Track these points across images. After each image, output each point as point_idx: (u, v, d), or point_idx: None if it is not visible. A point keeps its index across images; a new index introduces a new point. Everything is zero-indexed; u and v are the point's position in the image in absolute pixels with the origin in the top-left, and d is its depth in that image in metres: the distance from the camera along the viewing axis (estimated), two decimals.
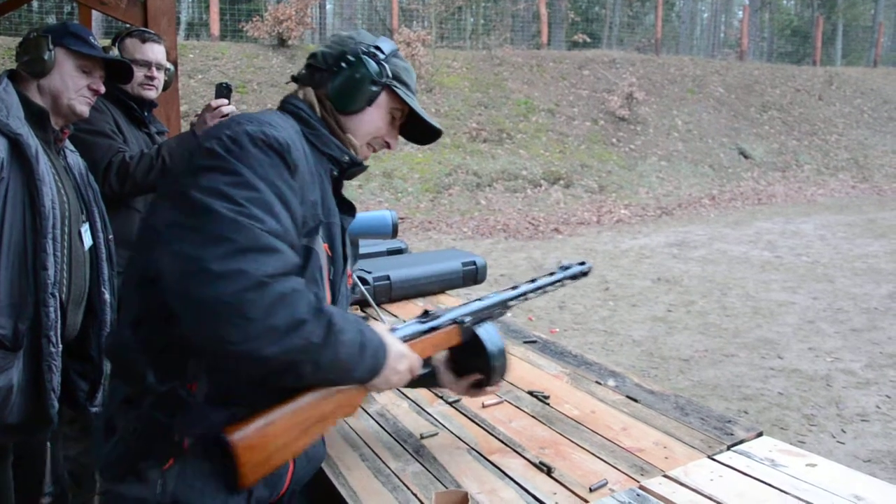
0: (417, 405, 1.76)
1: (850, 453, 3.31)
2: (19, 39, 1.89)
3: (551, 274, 1.64)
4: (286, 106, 1.32)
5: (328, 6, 18.77)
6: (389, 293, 2.64)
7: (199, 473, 1.13)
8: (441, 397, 1.80)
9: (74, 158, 2.00)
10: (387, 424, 1.67)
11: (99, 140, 2.22)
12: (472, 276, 2.90)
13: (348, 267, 1.40)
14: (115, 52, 2.32)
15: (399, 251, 3.12)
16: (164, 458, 1.11)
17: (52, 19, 14.38)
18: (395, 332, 1.30)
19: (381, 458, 1.50)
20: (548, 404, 1.76)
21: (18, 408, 1.73)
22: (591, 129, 12.28)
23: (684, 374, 4.30)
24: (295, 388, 1.14)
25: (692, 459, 1.45)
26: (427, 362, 1.43)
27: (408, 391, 1.82)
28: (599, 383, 1.88)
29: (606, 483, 1.36)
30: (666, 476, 1.39)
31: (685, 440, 1.54)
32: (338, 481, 1.41)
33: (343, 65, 1.30)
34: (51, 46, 1.83)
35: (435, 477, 1.41)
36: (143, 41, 2.41)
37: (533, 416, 1.69)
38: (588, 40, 15.67)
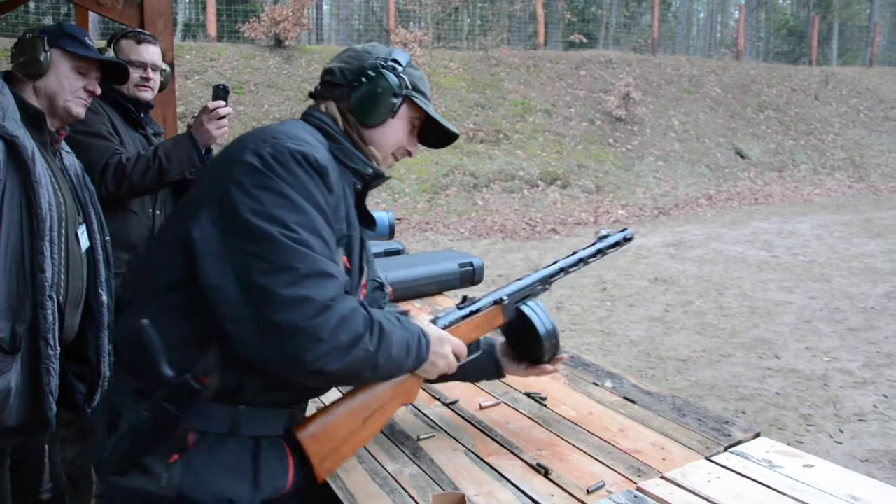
0: (414, 407, 1.76)
1: (848, 453, 3.32)
2: (15, 40, 1.88)
3: (592, 245, 1.63)
4: (311, 119, 1.33)
5: (325, 7, 18.78)
6: None
7: (206, 467, 1.16)
8: (438, 399, 1.80)
9: (71, 160, 1.99)
10: (384, 426, 1.67)
11: (95, 142, 2.21)
12: (470, 277, 2.89)
13: (363, 278, 1.42)
14: (110, 54, 2.31)
15: (396, 252, 3.12)
16: (169, 452, 1.15)
17: (48, 20, 14.31)
18: (437, 321, 1.40)
19: (378, 460, 1.50)
20: (545, 406, 1.76)
21: (16, 410, 1.73)
22: (587, 130, 12.29)
23: (682, 375, 4.31)
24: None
25: (689, 461, 1.45)
26: (476, 346, 1.49)
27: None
28: (597, 384, 1.88)
29: (604, 485, 1.36)
30: (663, 477, 1.39)
31: (682, 441, 1.54)
32: (335, 483, 1.41)
33: (363, 79, 1.33)
34: (46, 48, 1.82)
35: (432, 479, 1.41)
36: (139, 42, 2.41)
37: (530, 418, 1.69)
38: (584, 41, 15.69)
